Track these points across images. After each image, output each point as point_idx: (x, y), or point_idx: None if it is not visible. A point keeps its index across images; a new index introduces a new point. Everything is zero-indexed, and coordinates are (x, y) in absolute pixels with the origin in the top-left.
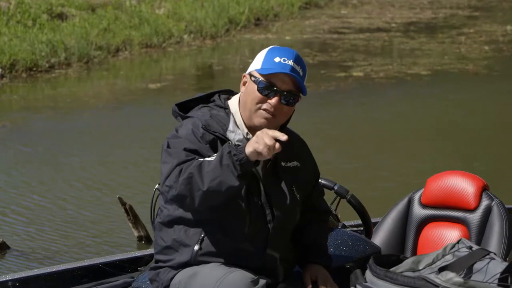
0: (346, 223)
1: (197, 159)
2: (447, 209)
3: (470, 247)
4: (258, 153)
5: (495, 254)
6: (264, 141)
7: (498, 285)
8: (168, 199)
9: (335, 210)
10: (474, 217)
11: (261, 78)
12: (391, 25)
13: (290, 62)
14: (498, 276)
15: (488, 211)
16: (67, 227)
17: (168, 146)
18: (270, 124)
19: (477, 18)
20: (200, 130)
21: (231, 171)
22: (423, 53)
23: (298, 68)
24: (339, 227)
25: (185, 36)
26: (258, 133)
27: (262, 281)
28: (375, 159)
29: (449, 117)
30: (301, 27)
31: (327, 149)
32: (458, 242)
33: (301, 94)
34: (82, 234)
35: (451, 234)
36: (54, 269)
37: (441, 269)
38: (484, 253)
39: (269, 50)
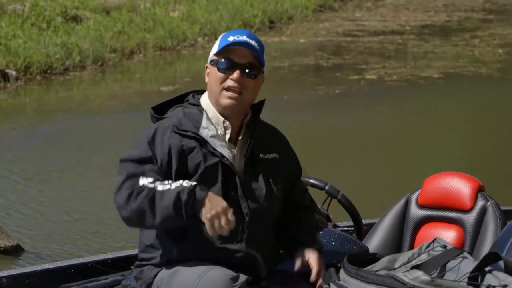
0: (340, 224)
1: (148, 171)
2: (444, 209)
3: (445, 246)
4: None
5: (468, 253)
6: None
7: (468, 283)
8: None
9: (327, 210)
10: (470, 218)
11: (219, 59)
12: (405, 28)
13: (244, 37)
14: (468, 275)
15: (483, 212)
16: (80, 229)
17: (123, 158)
18: (238, 102)
19: (491, 21)
20: (161, 133)
21: (183, 217)
22: (437, 56)
23: (253, 42)
24: (330, 227)
25: (199, 39)
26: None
27: (242, 278)
28: (376, 160)
29: (458, 119)
30: (315, 30)
31: (329, 150)
32: (433, 241)
33: (262, 67)
34: (94, 235)
35: (447, 234)
36: (45, 267)
37: (415, 268)
38: (457, 252)
39: (222, 35)
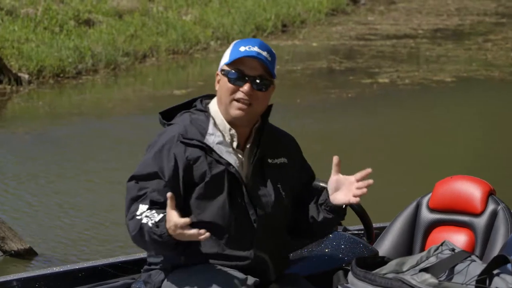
0: (350, 227)
1: (150, 192)
2: (454, 213)
3: (453, 249)
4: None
5: (476, 256)
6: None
7: (476, 286)
8: None
9: None
10: (480, 222)
11: (230, 69)
12: (418, 31)
13: (255, 49)
14: (476, 278)
15: (494, 216)
16: (92, 232)
17: (132, 175)
18: (247, 113)
19: (504, 24)
20: (168, 146)
21: (165, 248)
22: (450, 59)
23: (264, 53)
24: (340, 230)
25: (212, 43)
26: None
27: (251, 280)
28: (387, 163)
29: (470, 123)
30: (328, 34)
31: (340, 153)
32: (441, 244)
33: (273, 79)
34: (107, 239)
35: (457, 238)
36: (56, 270)
37: (423, 271)
38: (465, 255)
39: (234, 44)
